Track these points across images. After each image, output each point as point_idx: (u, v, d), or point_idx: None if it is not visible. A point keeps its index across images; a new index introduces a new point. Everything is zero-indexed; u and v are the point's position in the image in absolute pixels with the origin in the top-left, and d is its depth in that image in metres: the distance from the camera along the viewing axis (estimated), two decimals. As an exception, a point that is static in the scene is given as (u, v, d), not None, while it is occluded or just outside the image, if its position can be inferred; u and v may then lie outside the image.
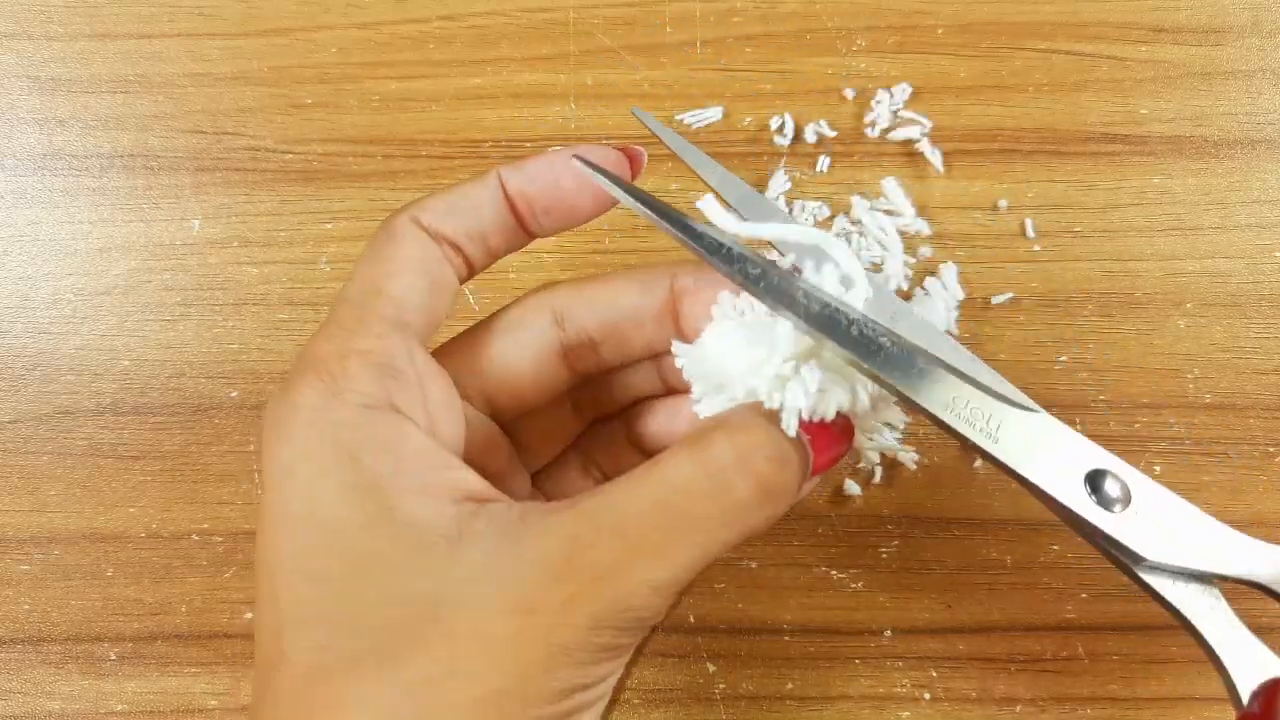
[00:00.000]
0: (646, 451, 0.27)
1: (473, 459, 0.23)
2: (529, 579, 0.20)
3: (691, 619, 0.33)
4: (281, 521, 0.21)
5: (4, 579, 0.34)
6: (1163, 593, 0.22)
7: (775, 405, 0.21)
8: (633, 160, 0.24)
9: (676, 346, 0.23)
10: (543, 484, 0.27)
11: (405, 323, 0.22)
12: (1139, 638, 0.33)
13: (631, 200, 0.22)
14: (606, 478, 0.26)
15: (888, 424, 0.24)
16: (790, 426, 0.21)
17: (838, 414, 0.22)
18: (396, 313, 0.22)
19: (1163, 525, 0.21)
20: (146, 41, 0.37)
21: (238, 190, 0.36)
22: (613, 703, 0.23)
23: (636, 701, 0.33)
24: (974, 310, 0.34)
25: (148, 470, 0.34)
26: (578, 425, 0.27)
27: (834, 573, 0.33)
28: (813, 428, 0.21)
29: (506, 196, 0.24)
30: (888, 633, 0.33)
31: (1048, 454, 0.22)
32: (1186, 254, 0.35)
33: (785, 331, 0.22)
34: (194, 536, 0.34)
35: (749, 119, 0.36)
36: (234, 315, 0.35)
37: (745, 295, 0.23)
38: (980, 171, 0.35)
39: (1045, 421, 0.22)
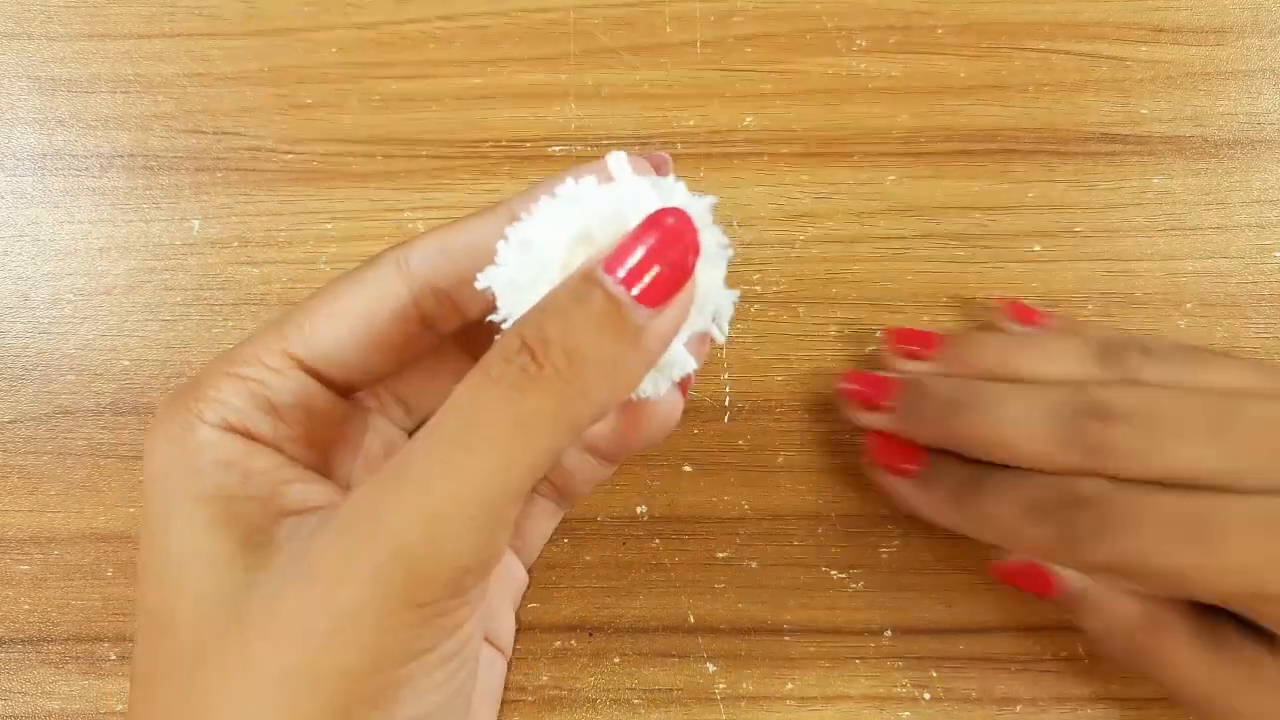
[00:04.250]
0: None
1: (315, 436, 0.22)
2: (314, 553, 0.19)
3: (691, 619, 0.33)
4: (144, 531, 0.21)
5: (4, 579, 0.34)
6: None
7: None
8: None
9: (481, 276, 0.21)
10: None
11: (312, 365, 0.22)
12: (1139, 638, 0.33)
13: None
14: None
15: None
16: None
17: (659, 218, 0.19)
18: (306, 351, 0.22)
19: None
20: (146, 41, 0.37)
21: (238, 190, 0.36)
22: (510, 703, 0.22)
23: (636, 701, 0.33)
24: (974, 310, 0.34)
25: (148, 470, 0.34)
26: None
27: (834, 573, 0.33)
28: (622, 257, 0.19)
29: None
30: (888, 633, 0.33)
31: None
32: (1186, 254, 0.35)
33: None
34: (194, 536, 0.34)
35: (749, 119, 0.36)
36: (234, 315, 0.35)
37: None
38: (980, 171, 0.35)
39: None
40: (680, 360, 0.22)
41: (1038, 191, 0.35)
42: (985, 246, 0.35)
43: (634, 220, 0.20)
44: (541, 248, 0.20)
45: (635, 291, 0.19)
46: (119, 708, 0.33)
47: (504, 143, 0.36)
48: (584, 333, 0.18)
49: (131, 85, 0.37)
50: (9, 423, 0.35)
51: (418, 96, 0.36)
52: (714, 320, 0.22)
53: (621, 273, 0.19)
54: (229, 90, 0.36)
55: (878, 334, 0.34)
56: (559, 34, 0.36)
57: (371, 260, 0.22)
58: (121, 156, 0.36)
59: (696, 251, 0.19)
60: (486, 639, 0.25)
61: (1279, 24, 0.36)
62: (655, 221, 0.19)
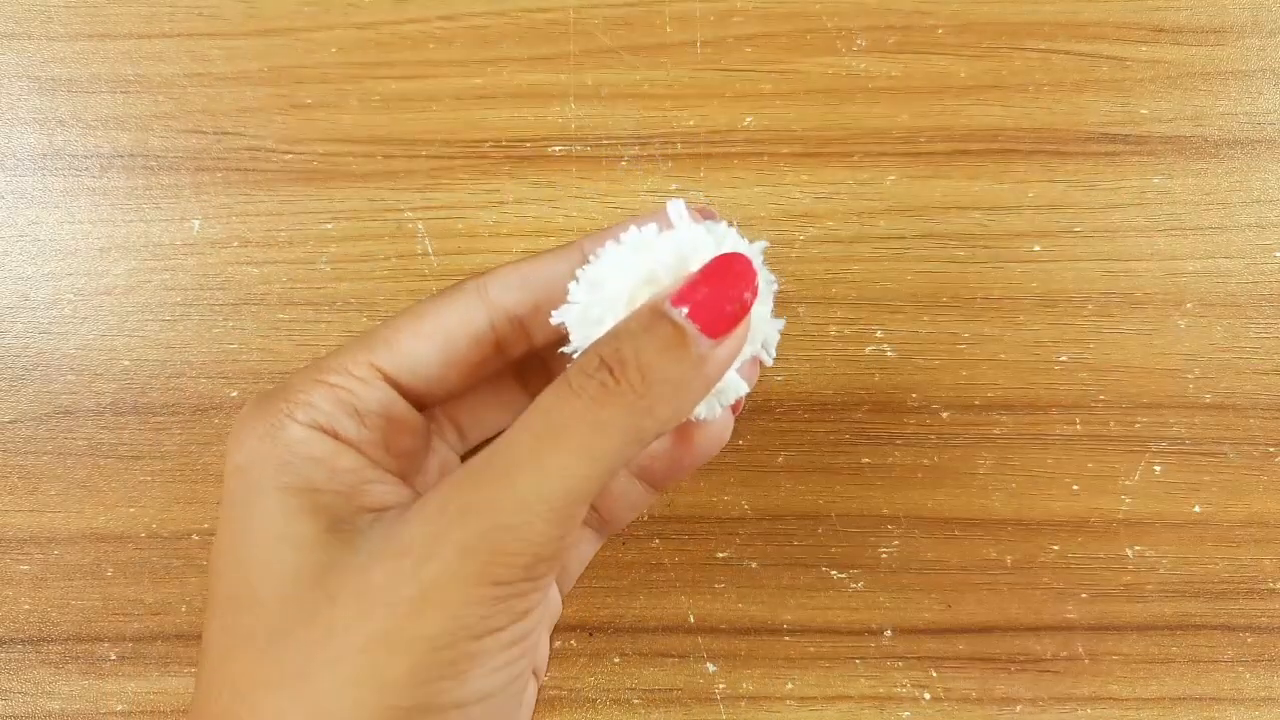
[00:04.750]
0: None
1: (393, 443, 0.24)
2: (405, 534, 0.20)
3: (691, 619, 0.33)
4: (224, 517, 0.22)
5: (4, 579, 0.34)
6: None
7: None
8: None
9: (555, 313, 0.23)
10: None
11: (396, 378, 0.24)
12: (1139, 638, 0.33)
13: None
14: None
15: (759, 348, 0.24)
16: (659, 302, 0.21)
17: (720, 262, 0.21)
18: (391, 364, 0.24)
19: None
20: (146, 41, 0.37)
21: (238, 190, 0.36)
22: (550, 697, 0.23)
23: (636, 702, 0.33)
24: (974, 310, 0.34)
25: (148, 470, 0.34)
26: (525, 402, 0.28)
27: (834, 573, 0.33)
28: (688, 296, 0.21)
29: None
30: (888, 633, 0.33)
31: None
32: (1186, 254, 0.35)
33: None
34: (194, 536, 0.34)
35: (749, 119, 0.36)
36: (234, 315, 0.35)
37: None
38: (980, 171, 0.35)
39: None
40: (734, 385, 0.24)
41: (1038, 191, 0.35)
42: (985, 246, 0.35)
43: (693, 263, 0.22)
44: (610, 288, 0.22)
45: (699, 325, 0.21)
46: (119, 708, 0.33)
47: (504, 143, 0.36)
48: (654, 356, 0.20)
49: (131, 85, 0.37)
50: (9, 423, 0.35)
51: (417, 96, 0.36)
52: (763, 346, 0.24)
53: (686, 308, 0.21)
54: (229, 90, 0.36)
55: (878, 334, 0.34)
56: (559, 34, 0.36)
57: (454, 287, 0.25)
58: (121, 156, 0.36)
59: (754, 291, 0.22)
60: None
61: (1279, 24, 0.36)
62: (718, 264, 0.22)
